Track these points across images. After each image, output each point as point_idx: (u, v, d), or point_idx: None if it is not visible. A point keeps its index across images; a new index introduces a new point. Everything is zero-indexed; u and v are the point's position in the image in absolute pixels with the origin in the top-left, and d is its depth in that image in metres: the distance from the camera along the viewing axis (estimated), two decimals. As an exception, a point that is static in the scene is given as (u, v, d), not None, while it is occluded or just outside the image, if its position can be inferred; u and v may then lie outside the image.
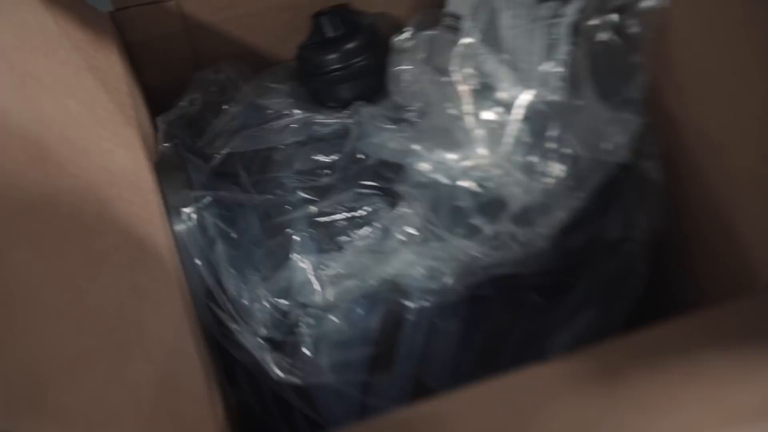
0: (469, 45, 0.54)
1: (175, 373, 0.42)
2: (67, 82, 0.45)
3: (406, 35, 0.62)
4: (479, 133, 0.50)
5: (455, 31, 0.55)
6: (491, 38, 0.54)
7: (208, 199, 0.53)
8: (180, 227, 0.51)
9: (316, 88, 0.60)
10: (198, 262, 0.51)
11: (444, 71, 0.53)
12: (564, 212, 0.49)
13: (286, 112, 0.59)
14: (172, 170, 0.53)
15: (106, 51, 0.52)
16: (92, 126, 0.46)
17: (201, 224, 0.52)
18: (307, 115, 0.58)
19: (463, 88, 0.52)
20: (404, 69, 0.57)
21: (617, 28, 0.52)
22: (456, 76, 0.52)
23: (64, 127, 0.43)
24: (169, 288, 0.45)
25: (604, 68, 0.52)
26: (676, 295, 0.57)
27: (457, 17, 0.55)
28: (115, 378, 0.38)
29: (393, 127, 0.56)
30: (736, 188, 0.49)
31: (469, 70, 0.52)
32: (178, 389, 0.42)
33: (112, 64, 0.51)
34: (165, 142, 0.56)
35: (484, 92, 0.52)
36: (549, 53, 0.51)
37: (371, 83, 0.60)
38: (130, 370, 0.39)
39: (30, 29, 0.44)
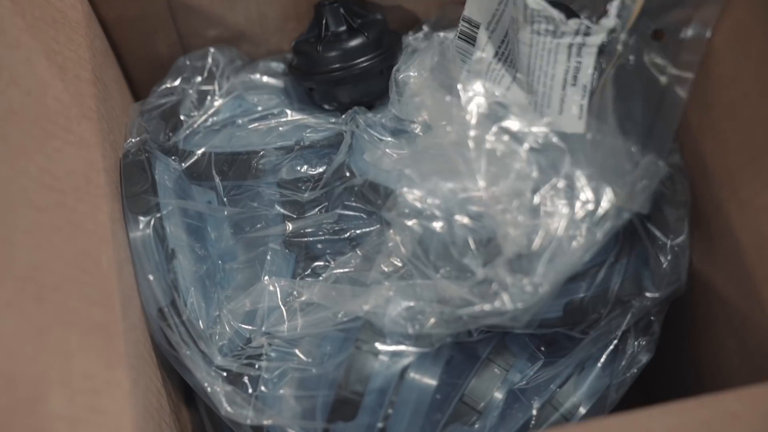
0: (480, 61, 0.47)
1: (100, 409, 0.37)
2: (13, 68, 0.40)
3: (419, 35, 0.56)
4: (481, 162, 0.44)
5: (470, 40, 0.49)
6: (508, 53, 0.47)
7: (171, 207, 0.47)
8: (135, 237, 0.46)
9: (312, 88, 0.54)
10: (150, 277, 0.46)
11: (451, 87, 0.47)
12: (568, 263, 0.43)
13: (276, 111, 0.53)
14: (134, 171, 0.48)
15: (70, 31, 0.46)
16: (37, 120, 0.40)
17: (158, 235, 0.46)
18: (299, 117, 0.53)
19: (469, 110, 0.45)
20: (409, 76, 0.51)
21: (653, 56, 0.45)
22: (462, 96, 0.46)
23: (0, 122, 0.38)
24: (107, 312, 0.40)
25: (632, 100, 0.46)
26: (694, 360, 0.51)
27: (473, 24, 0.48)
28: (21, 421, 0.33)
29: (390, 140, 0.50)
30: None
31: (479, 89, 0.46)
32: (96, 428, 0.37)
33: (75, 46, 0.46)
34: (133, 137, 0.50)
35: (492, 116, 0.45)
36: (571, 78, 0.44)
37: (374, 87, 0.53)
38: (42, 410, 0.34)
39: (-28, 6, 0.39)
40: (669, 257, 0.46)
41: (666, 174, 0.46)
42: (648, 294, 0.46)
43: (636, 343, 0.48)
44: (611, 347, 0.48)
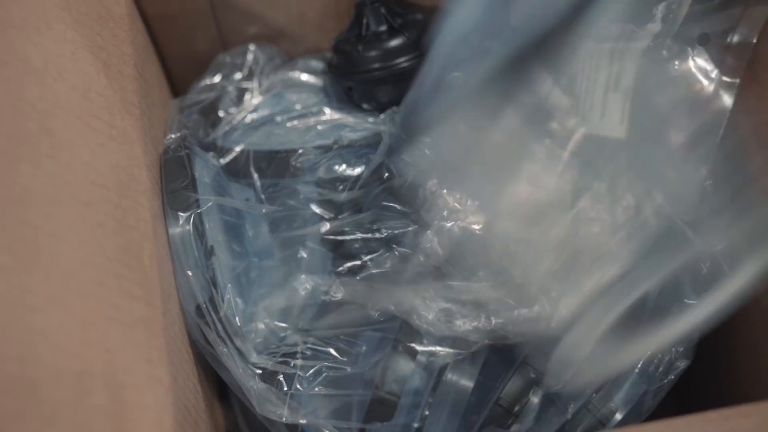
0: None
1: (142, 405, 0.38)
2: (60, 63, 0.40)
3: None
4: (522, 166, 0.44)
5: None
6: (551, 55, 0.47)
7: (210, 203, 0.47)
8: (174, 233, 0.46)
9: (351, 87, 0.54)
10: (189, 273, 0.46)
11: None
12: (609, 269, 0.43)
13: (315, 110, 0.53)
14: (174, 167, 0.48)
15: (114, 27, 0.46)
16: (82, 115, 0.40)
17: (198, 231, 0.46)
18: (337, 116, 0.53)
19: (511, 113, 0.45)
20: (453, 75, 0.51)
21: (698, 61, 0.45)
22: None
23: (46, 116, 0.38)
24: (148, 308, 0.40)
25: (676, 105, 0.45)
26: (732, 368, 0.51)
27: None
28: (67, 416, 0.33)
29: (429, 140, 0.50)
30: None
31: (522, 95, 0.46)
32: (139, 424, 0.38)
33: (119, 42, 0.46)
34: (173, 133, 0.51)
35: (535, 119, 0.45)
36: (613, 83, 0.44)
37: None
38: (87, 405, 0.34)
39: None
40: (710, 263, 0.46)
41: (697, 185, 0.45)
42: (688, 301, 0.46)
43: (674, 349, 0.48)
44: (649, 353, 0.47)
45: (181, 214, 0.46)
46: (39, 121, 0.37)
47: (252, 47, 0.55)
